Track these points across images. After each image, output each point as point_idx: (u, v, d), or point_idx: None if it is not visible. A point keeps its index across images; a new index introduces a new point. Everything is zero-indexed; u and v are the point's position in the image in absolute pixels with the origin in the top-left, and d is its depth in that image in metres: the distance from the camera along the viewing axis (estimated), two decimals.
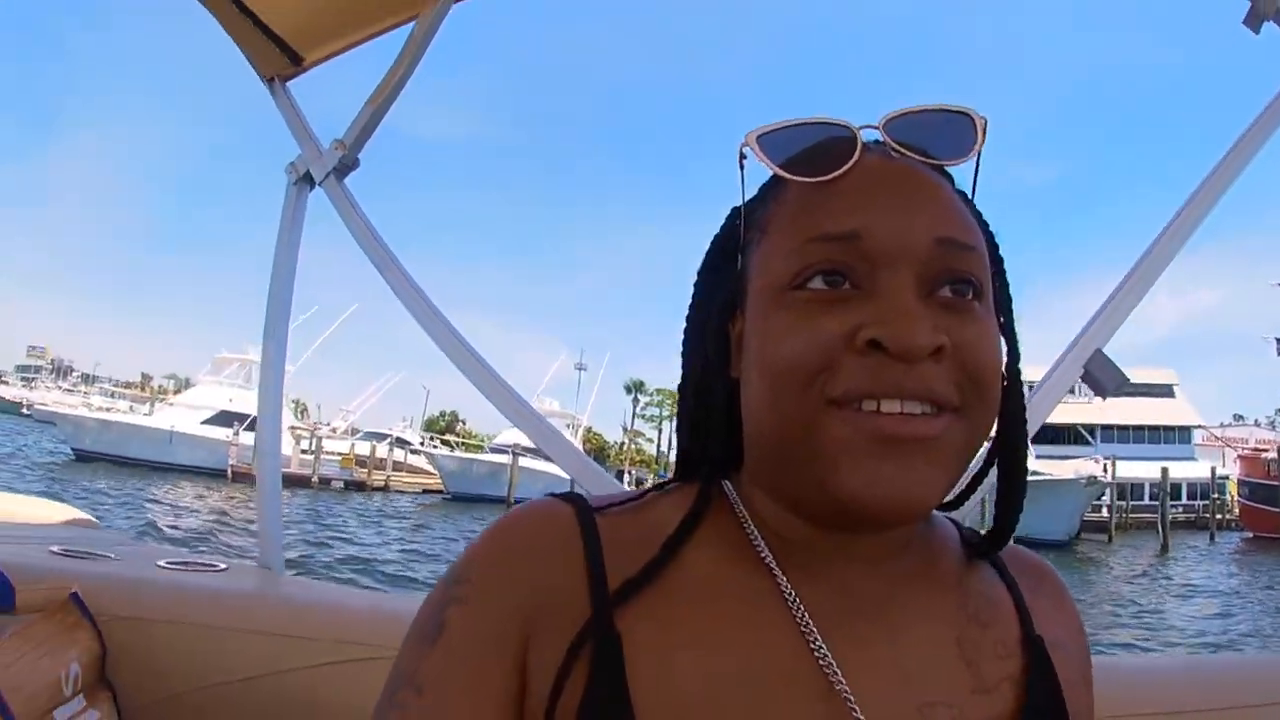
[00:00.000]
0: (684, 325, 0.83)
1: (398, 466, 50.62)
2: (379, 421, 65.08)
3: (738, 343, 0.75)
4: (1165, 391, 66.30)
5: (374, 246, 1.88)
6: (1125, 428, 62.77)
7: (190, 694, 1.35)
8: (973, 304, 0.67)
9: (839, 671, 0.65)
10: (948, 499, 0.71)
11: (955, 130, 0.71)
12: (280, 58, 2.01)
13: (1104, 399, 1.51)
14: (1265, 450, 45.88)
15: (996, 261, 0.76)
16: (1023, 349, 0.78)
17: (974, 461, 0.71)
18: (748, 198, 0.77)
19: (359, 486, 43.86)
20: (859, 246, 0.65)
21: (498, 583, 0.71)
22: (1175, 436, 64.70)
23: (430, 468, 45.73)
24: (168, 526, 19.22)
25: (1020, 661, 0.73)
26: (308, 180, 1.96)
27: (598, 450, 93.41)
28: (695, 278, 0.82)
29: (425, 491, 45.33)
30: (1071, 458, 49.08)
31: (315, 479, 41.83)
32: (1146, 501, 52.62)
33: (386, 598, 1.77)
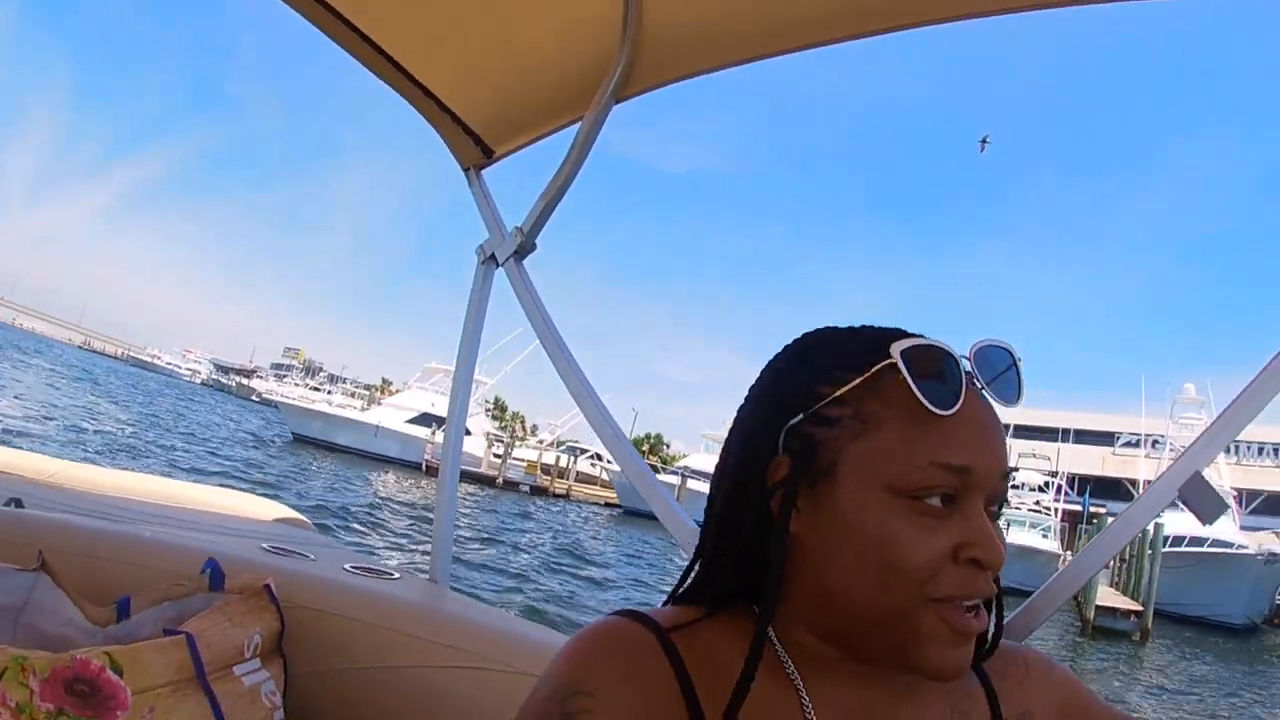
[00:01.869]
0: (727, 460, 0.92)
1: (583, 478, 53.53)
2: (588, 437, 67.44)
3: (800, 503, 0.84)
4: None
5: (542, 326, 2.07)
6: None
7: (346, 671, 1.62)
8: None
9: None
10: None
11: (1006, 361, 0.87)
12: (475, 149, 2.27)
13: (1205, 525, 1.44)
14: None
15: None
16: None
17: None
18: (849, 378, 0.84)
19: (541, 491, 46.99)
20: (967, 478, 0.79)
21: (619, 693, 0.79)
22: None
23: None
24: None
25: None
26: (493, 261, 2.20)
27: None
28: (745, 416, 0.91)
29: (607, 505, 47.53)
30: None
31: (500, 480, 45.46)
32: None
33: (534, 627, 1.93)
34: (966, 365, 0.83)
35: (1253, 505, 54.74)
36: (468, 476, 45.11)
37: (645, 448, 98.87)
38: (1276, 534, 36.05)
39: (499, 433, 55.69)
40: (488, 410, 63.64)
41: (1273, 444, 59.49)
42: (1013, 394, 0.85)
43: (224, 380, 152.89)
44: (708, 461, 52.09)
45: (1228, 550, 31.03)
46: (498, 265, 2.20)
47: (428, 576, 2.08)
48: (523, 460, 53.06)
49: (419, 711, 1.57)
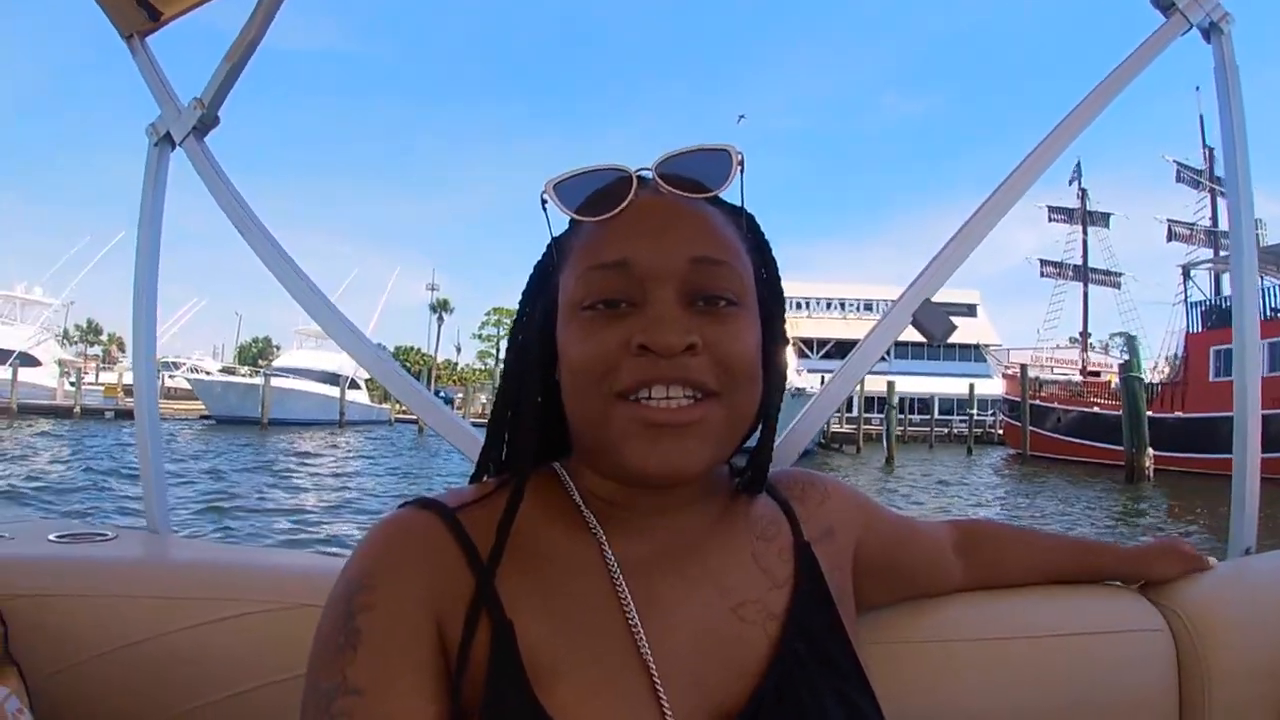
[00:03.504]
0: (509, 339, 0.99)
1: (178, 394, 51.58)
2: (192, 349, 64.14)
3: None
4: (968, 311, 69.64)
5: (233, 207, 1.87)
6: (919, 344, 65.12)
7: (89, 662, 1.39)
8: (726, 309, 0.86)
9: (635, 613, 0.85)
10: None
11: (718, 164, 0.89)
12: (138, 12, 1.93)
13: (934, 344, 1.68)
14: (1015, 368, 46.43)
15: (769, 264, 0.98)
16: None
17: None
18: (560, 231, 0.94)
19: (128, 414, 44.37)
20: (629, 271, 0.84)
21: (398, 582, 0.83)
22: (971, 354, 67.54)
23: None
24: None
25: (794, 562, 0.97)
26: (168, 141, 1.93)
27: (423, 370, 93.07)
28: (520, 299, 0.98)
29: (202, 417, 45.51)
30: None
31: (78, 409, 43.22)
32: (938, 416, 54.78)
33: (265, 552, 1.83)
34: (649, 177, 0.89)
35: (824, 350, 68.34)
36: (40, 411, 42.56)
37: (254, 352, 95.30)
38: (800, 372, 41.59)
39: (74, 359, 52.11)
40: (69, 335, 59.33)
41: (839, 299, 74.41)
42: (716, 178, 0.89)
43: None
44: (303, 358, 51.66)
45: None
46: (174, 145, 1.94)
47: (146, 528, 1.86)
48: (102, 384, 49.97)
49: (184, 676, 1.39)
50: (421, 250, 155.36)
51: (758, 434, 0.98)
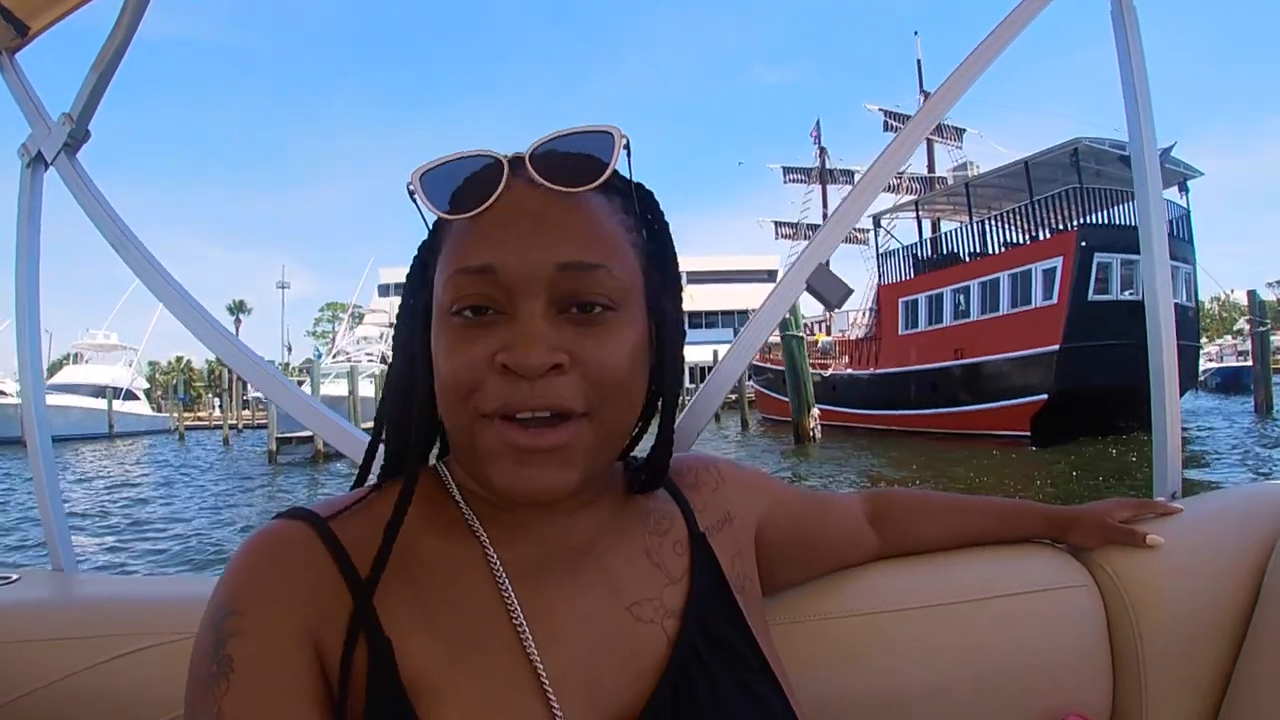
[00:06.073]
0: (394, 335, 0.90)
1: None
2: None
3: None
4: (768, 278, 70.44)
5: (108, 224, 1.76)
6: (713, 313, 68.95)
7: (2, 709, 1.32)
8: (601, 317, 0.78)
9: (524, 621, 0.79)
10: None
11: (600, 147, 0.79)
12: (6, 29, 1.78)
13: (830, 311, 1.82)
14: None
15: (664, 246, 0.89)
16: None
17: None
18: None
19: None
20: (494, 278, 0.76)
21: (269, 604, 0.75)
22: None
23: None
24: None
25: (690, 554, 0.93)
26: (41, 161, 1.80)
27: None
28: (403, 290, 0.90)
29: None
30: None
31: None
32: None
33: (173, 581, 1.77)
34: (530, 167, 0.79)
35: None
36: None
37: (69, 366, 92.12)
38: None
39: None
40: None
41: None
42: (596, 166, 0.80)
43: None
44: (75, 374, 50.19)
45: None
46: (47, 165, 1.81)
47: (51, 567, 1.74)
48: None
49: (98, 714, 1.31)
50: (285, 248, 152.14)
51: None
